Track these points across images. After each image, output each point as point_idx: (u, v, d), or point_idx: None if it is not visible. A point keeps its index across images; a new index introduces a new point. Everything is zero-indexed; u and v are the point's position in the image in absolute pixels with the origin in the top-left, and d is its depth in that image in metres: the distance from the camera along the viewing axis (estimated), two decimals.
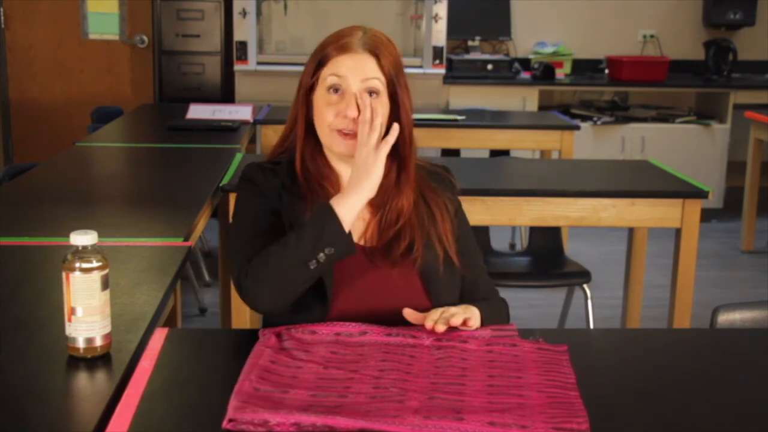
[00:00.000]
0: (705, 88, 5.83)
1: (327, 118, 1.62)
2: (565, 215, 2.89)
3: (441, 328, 1.49)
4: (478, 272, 1.76)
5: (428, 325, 1.50)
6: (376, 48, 1.62)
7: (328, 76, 1.62)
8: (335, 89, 1.62)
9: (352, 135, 1.61)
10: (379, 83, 1.62)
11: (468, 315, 1.53)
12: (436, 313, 1.53)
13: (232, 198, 2.72)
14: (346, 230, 1.52)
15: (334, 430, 1.18)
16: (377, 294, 1.62)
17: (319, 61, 1.64)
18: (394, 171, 1.67)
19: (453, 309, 1.54)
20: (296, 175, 1.67)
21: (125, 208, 2.53)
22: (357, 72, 1.61)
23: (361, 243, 1.66)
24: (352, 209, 1.54)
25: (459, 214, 1.77)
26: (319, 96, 1.64)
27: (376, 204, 1.66)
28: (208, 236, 4.80)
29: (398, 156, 1.67)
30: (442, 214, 1.70)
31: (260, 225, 1.64)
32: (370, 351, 1.45)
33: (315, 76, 1.65)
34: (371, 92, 1.62)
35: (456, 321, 1.50)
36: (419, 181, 1.71)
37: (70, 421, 1.24)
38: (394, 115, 1.65)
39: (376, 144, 1.55)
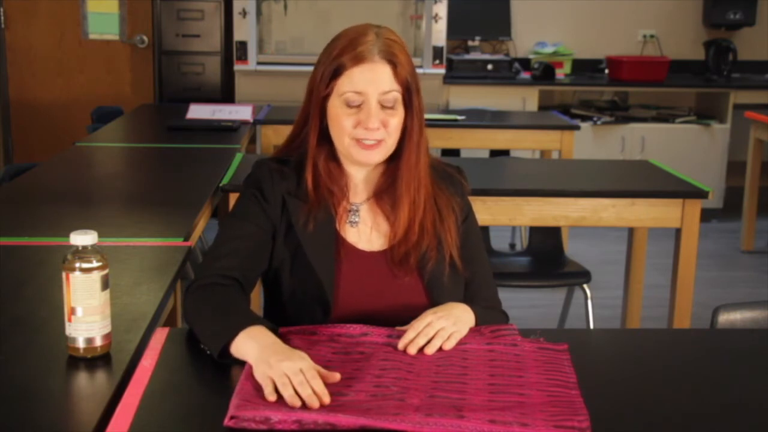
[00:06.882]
0: (705, 88, 5.82)
1: (347, 128, 1.59)
2: (565, 215, 2.89)
3: (412, 351, 1.45)
4: (481, 281, 1.73)
5: (400, 345, 1.46)
6: (392, 55, 1.59)
7: (346, 91, 1.58)
8: (354, 103, 1.59)
9: (372, 145, 1.60)
10: (397, 94, 1.60)
11: (454, 330, 1.50)
12: (420, 324, 1.49)
13: (232, 198, 2.72)
14: (227, 351, 1.41)
15: (335, 428, 1.19)
16: (379, 297, 1.63)
17: (335, 70, 1.59)
18: (395, 173, 1.65)
19: (437, 323, 1.49)
20: (304, 177, 1.65)
21: (125, 208, 2.53)
22: (375, 86, 1.58)
23: (368, 248, 1.66)
24: (243, 349, 1.39)
25: (469, 219, 1.75)
26: (336, 106, 1.60)
27: (384, 208, 1.66)
28: (208, 236, 4.80)
29: (400, 158, 1.64)
30: (449, 217, 1.69)
31: (245, 240, 1.62)
32: (371, 351, 1.45)
33: (330, 86, 1.60)
34: (388, 105, 1.59)
35: (434, 346, 1.46)
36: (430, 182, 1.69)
37: (70, 421, 1.24)
38: (407, 119, 1.62)
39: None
